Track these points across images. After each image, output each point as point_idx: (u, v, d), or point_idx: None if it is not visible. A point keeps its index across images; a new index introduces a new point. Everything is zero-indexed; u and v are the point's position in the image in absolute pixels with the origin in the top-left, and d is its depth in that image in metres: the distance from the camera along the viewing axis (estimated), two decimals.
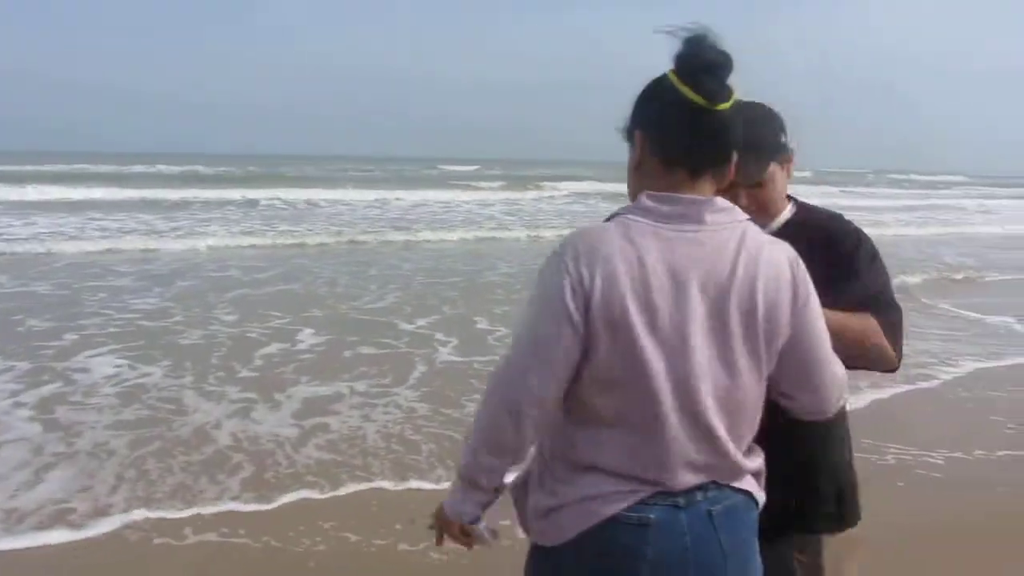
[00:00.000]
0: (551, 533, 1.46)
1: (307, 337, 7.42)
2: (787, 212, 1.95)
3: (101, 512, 3.82)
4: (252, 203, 22.06)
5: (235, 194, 23.43)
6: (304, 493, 4.13)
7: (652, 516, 1.39)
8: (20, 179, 25.89)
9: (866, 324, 1.78)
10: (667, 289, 1.35)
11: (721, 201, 1.41)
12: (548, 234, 16.73)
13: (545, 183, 35.55)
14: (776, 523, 1.66)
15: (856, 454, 4.08)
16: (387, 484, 4.29)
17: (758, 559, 1.52)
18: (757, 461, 1.51)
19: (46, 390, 5.67)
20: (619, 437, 1.40)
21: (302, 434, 4.96)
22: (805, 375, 1.46)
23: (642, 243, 1.36)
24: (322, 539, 3.64)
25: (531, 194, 30.72)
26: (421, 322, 8.00)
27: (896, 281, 2.14)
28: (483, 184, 34.44)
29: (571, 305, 1.35)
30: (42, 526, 3.68)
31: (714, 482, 1.43)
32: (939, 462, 4.67)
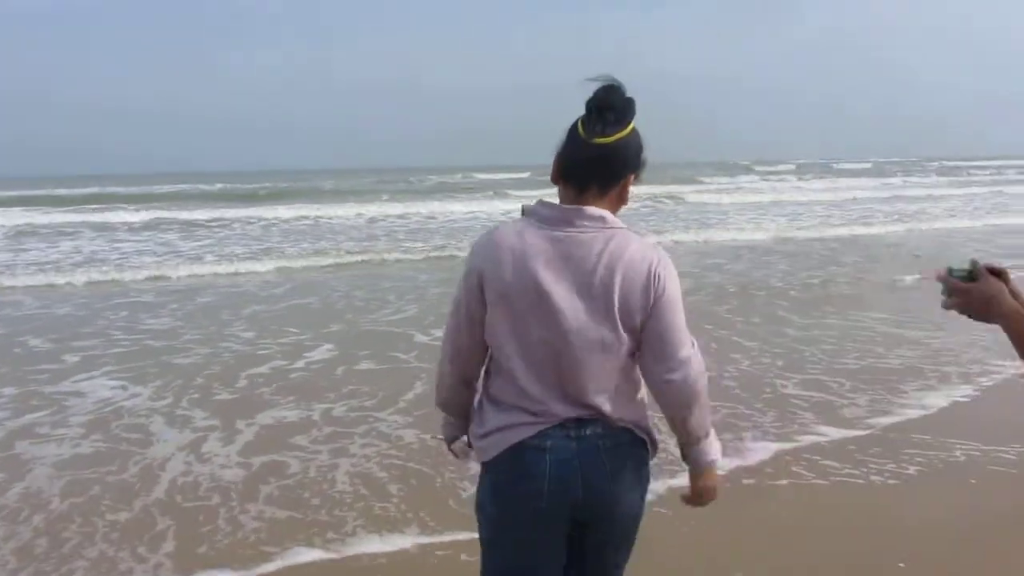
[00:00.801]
0: (480, 453, 1.95)
1: (316, 353, 7.16)
2: None
3: None
4: (282, 220, 21.85)
5: (262, 212, 23.23)
6: None
7: (549, 443, 1.85)
8: (54, 203, 26.25)
9: None
10: (539, 273, 1.81)
11: (591, 210, 1.84)
12: None
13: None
14: None
15: (918, 452, 4.50)
16: (327, 554, 3.55)
17: (644, 482, 1.98)
18: (638, 412, 1.93)
19: (26, 419, 5.46)
20: (513, 380, 1.88)
21: (251, 477, 4.40)
22: (660, 348, 1.85)
23: (527, 238, 1.84)
24: None
25: None
26: (438, 332, 7.68)
27: None
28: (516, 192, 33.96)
29: (471, 282, 1.88)
30: None
31: (602, 423, 1.87)
32: (1012, 457, 4.51)
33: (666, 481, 4.09)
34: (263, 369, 6.61)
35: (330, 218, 22.23)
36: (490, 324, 1.88)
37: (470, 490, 4.06)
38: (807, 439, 4.84)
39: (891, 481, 4.23)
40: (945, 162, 74.77)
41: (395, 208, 24.66)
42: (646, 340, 1.85)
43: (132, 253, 15.36)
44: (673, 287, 1.85)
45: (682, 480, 3.86)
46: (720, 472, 4.22)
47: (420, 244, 15.99)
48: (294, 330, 8.10)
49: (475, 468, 4.00)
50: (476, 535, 3.36)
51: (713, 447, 1.98)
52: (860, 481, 4.23)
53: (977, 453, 4.56)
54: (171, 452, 4.81)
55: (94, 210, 23.92)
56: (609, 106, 1.81)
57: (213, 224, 20.86)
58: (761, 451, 4.64)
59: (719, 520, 3.77)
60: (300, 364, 6.77)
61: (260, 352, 7.22)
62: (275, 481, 4.36)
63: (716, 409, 5.34)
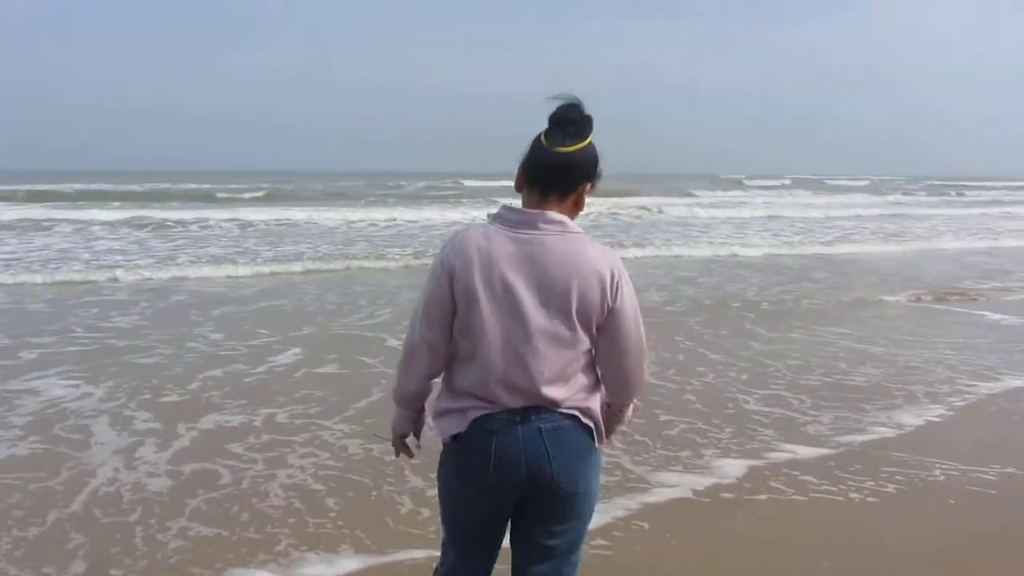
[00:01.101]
0: (437, 431, 2.16)
1: (281, 356, 7.05)
2: None
3: None
4: (263, 222, 21.33)
5: (243, 214, 22.78)
6: None
7: (495, 427, 2.05)
8: (35, 199, 25.95)
9: None
10: (504, 272, 2.00)
11: (552, 215, 2.04)
12: None
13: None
14: None
15: (897, 470, 4.54)
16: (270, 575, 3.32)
17: (587, 464, 2.13)
18: (587, 402, 2.11)
19: None
20: (474, 370, 2.06)
21: (179, 488, 4.17)
22: (619, 346, 2.08)
23: (493, 239, 2.02)
24: None
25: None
26: None
27: None
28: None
29: (441, 279, 2.04)
30: None
31: (547, 409, 2.05)
32: (991, 478, 4.46)
33: (639, 498, 4.09)
34: (218, 372, 6.47)
35: (312, 221, 21.88)
36: (458, 319, 2.04)
37: (408, 505, 4.01)
38: (774, 456, 4.77)
39: (870, 499, 4.18)
40: (935, 181, 75.06)
41: (378, 213, 24.28)
42: (605, 337, 2.06)
43: (105, 251, 15.02)
44: (629, 290, 2.06)
45: (656, 498, 4.12)
46: (698, 488, 4.29)
47: (397, 250, 15.85)
48: (264, 332, 8.00)
49: (415, 482, 4.31)
50: (416, 554, 3.45)
51: (631, 409, 2.29)
52: (840, 499, 4.18)
53: (956, 473, 4.51)
54: (105, 457, 4.63)
55: (73, 207, 23.63)
56: (570, 120, 2.04)
57: (192, 224, 20.48)
58: (728, 467, 4.57)
59: (697, 534, 3.77)
60: (262, 368, 6.64)
61: (224, 354, 7.11)
62: (204, 493, 4.14)
63: (673, 424, 5.28)
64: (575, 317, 2.00)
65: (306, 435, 5.03)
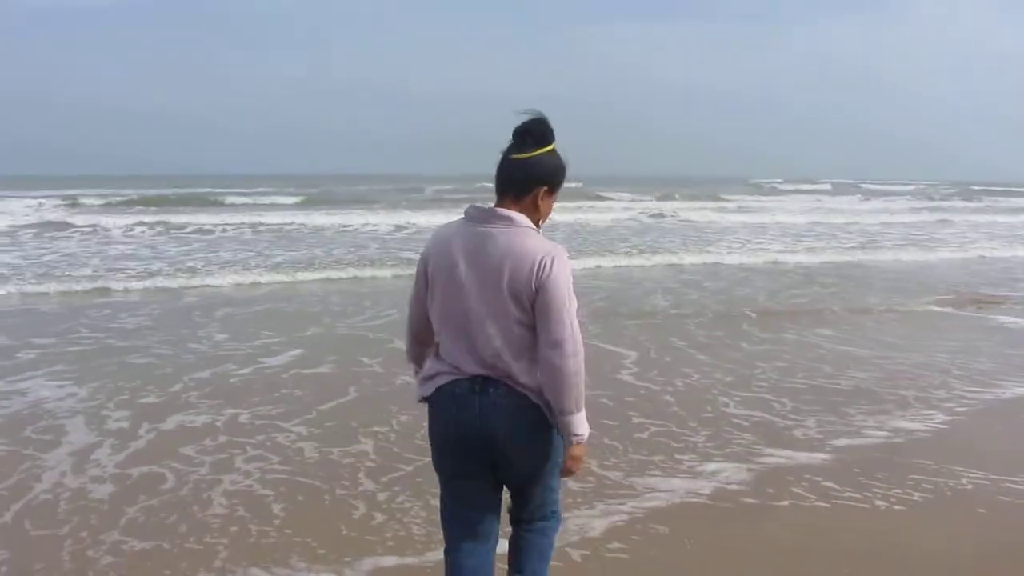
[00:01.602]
0: (419, 392, 2.50)
1: (277, 358, 7.08)
2: None
3: None
4: (283, 225, 21.42)
5: (264, 218, 22.82)
6: None
7: (457, 391, 2.37)
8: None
9: None
10: (458, 259, 2.34)
11: (503, 211, 2.35)
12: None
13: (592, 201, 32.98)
14: None
15: (925, 478, 4.45)
16: None
17: (539, 435, 2.39)
18: (531, 378, 2.33)
19: None
20: (444, 341, 2.41)
21: (120, 495, 4.04)
22: (541, 325, 2.29)
23: (457, 232, 2.39)
24: None
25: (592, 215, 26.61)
26: None
27: None
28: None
29: (420, 267, 2.47)
30: None
31: (503, 384, 2.33)
32: (1022, 487, 4.34)
33: (644, 503, 4.04)
34: (206, 373, 6.49)
35: (330, 225, 21.90)
36: (429, 299, 2.43)
37: (362, 509, 3.97)
38: (765, 462, 4.66)
39: (896, 507, 4.08)
40: (976, 187, 73.20)
41: (398, 217, 24.09)
42: (538, 320, 2.28)
43: (118, 256, 14.90)
44: (557, 275, 2.27)
45: (658, 503, 4.05)
46: (699, 492, 4.20)
47: (411, 254, 15.78)
48: (268, 333, 8.04)
49: (367, 485, 4.41)
50: (380, 561, 3.45)
51: (578, 424, 2.33)
52: (865, 506, 4.09)
53: (986, 482, 4.38)
54: (58, 460, 4.58)
55: (84, 211, 23.97)
56: (528, 132, 2.35)
57: (206, 226, 20.61)
58: (723, 472, 4.49)
59: (714, 538, 3.72)
60: (249, 368, 6.66)
61: (220, 354, 7.16)
62: (145, 500, 4.01)
63: (645, 426, 5.20)
64: (506, 292, 2.27)
65: (260, 437, 4.98)
